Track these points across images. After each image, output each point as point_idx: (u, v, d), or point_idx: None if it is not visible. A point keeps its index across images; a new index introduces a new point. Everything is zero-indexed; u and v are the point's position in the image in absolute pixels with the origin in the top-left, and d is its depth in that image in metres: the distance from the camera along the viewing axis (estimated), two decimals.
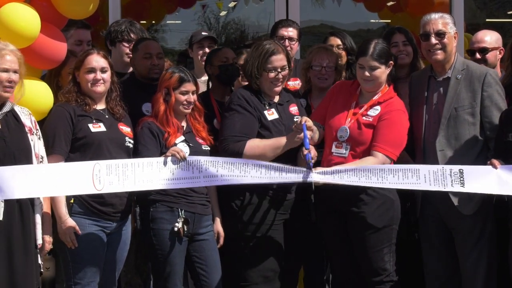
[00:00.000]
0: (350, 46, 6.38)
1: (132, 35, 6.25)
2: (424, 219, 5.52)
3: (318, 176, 4.98)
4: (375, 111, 5.31)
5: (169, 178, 4.94)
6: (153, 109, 5.35)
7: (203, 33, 6.90)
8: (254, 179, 4.99)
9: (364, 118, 5.31)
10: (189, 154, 5.08)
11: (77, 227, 4.97)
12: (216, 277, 5.29)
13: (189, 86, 5.29)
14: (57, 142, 5.00)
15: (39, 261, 4.80)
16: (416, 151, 5.52)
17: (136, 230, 5.47)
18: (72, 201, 5.01)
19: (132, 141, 5.22)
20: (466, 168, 5.07)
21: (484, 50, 5.89)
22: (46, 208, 4.89)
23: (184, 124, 5.35)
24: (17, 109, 4.82)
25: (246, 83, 5.58)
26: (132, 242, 5.36)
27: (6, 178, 4.52)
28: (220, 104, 5.85)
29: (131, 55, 6.03)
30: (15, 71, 4.72)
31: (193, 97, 5.31)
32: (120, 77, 5.65)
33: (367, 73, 5.29)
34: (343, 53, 6.32)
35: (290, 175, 5.01)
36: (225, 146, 5.27)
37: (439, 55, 5.41)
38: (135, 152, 5.18)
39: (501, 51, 5.93)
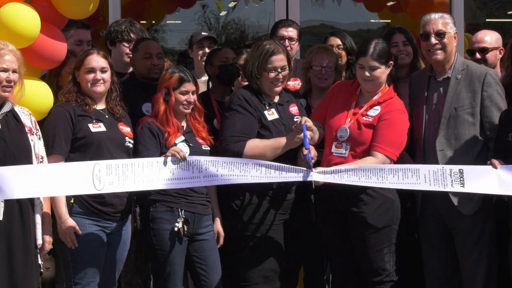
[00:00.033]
0: (350, 46, 6.38)
1: (132, 35, 6.25)
2: (424, 219, 5.52)
3: (318, 175, 4.98)
4: (375, 111, 5.31)
5: (169, 178, 4.94)
6: (153, 109, 5.35)
7: (203, 33, 6.89)
8: (254, 179, 4.99)
9: (364, 118, 5.31)
10: (189, 154, 5.08)
11: (77, 227, 4.97)
12: (216, 277, 5.29)
13: (189, 86, 5.29)
14: (57, 142, 5.00)
15: (39, 261, 4.80)
16: (416, 151, 5.52)
17: (136, 230, 5.47)
18: (72, 201, 5.01)
19: (132, 141, 5.22)
20: (466, 168, 5.07)
21: (484, 50, 5.89)
22: (46, 208, 4.89)
23: (184, 124, 5.35)
24: (17, 109, 4.82)
25: (246, 83, 5.58)
26: (132, 242, 5.36)
27: (6, 178, 4.52)
28: (220, 104, 5.85)
29: (131, 55, 6.03)
30: (14, 71, 4.72)
31: (193, 97, 5.31)
32: (120, 77, 5.65)
33: (367, 73, 5.29)
34: (343, 53, 6.32)
35: (290, 175, 5.01)
36: (225, 146, 5.27)
37: (439, 55, 5.41)
38: (135, 152, 5.18)
39: (501, 51, 5.93)
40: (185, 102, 5.28)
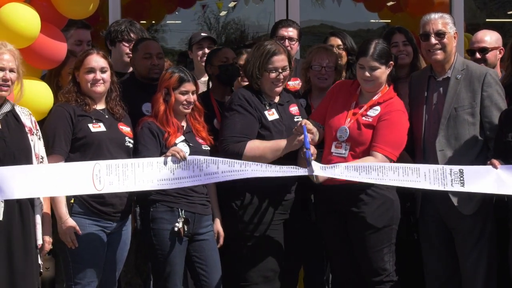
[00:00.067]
0: (350, 46, 6.39)
1: (132, 35, 6.25)
2: (424, 219, 5.52)
3: (319, 170, 4.96)
4: (375, 112, 5.31)
5: (169, 178, 4.94)
6: (153, 109, 5.35)
7: (202, 33, 6.90)
8: (255, 173, 4.95)
9: (363, 118, 5.31)
10: (189, 154, 5.08)
11: (77, 227, 4.97)
12: (216, 277, 5.29)
13: (189, 86, 5.29)
14: (57, 142, 5.00)
15: (39, 261, 4.80)
16: (416, 151, 5.51)
17: (136, 230, 5.48)
18: (72, 201, 5.01)
19: (132, 141, 5.22)
20: (466, 168, 5.07)
21: (484, 50, 5.89)
22: (46, 208, 4.89)
23: (184, 124, 5.35)
24: (17, 109, 4.82)
25: (246, 83, 5.59)
26: (132, 242, 5.36)
27: (6, 178, 4.52)
28: (220, 104, 5.85)
29: (131, 55, 6.04)
30: (11, 70, 4.71)
31: (193, 97, 5.31)
32: (120, 77, 5.66)
33: (367, 73, 5.28)
34: (343, 53, 6.33)
35: (291, 169, 4.99)
36: (225, 147, 5.27)
37: (439, 55, 5.41)
38: (135, 152, 5.18)
39: (501, 51, 5.93)
40: (185, 102, 5.28)
